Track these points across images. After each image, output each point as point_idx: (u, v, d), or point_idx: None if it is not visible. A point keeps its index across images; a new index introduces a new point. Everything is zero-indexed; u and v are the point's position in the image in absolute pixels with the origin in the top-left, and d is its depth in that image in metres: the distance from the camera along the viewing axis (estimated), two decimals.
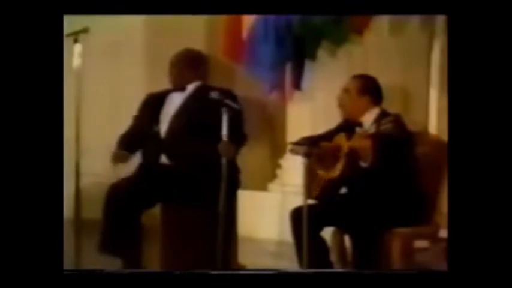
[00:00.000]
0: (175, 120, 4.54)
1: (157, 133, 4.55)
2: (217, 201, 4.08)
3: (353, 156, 4.06)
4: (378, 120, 4.08)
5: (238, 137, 4.39)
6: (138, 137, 4.61)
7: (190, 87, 4.61)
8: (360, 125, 4.22)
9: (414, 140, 4.19)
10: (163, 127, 4.56)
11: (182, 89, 4.61)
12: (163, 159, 4.49)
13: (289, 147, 4.56)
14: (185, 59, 4.69)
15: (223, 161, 4.06)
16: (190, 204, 4.43)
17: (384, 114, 4.18)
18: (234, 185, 4.49)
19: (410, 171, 4.17)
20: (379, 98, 4.33)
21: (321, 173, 4.24)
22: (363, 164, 4.00)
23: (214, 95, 4.08)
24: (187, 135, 4.45)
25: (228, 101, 3.98)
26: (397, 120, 3.91)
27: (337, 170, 4.15)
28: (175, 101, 4.60)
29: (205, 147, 4.31)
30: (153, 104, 4.65)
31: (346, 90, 4.32)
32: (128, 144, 4.57)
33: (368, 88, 4.30)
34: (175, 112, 4.56)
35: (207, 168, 4.31)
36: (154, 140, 4.54)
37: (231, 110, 3.97)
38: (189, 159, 4.43)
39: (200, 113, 4.47)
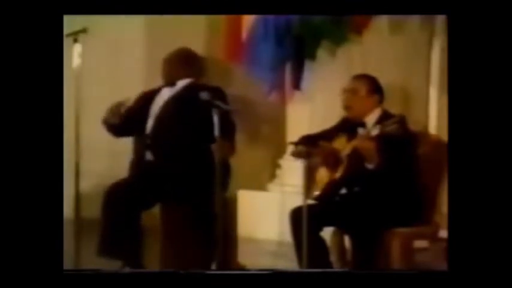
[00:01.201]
0: (161, 116, 4.55)
1: (144, 130, 4.56)
2: (207, 200, 4.05)
3: (355, 157, 4.06)
4: (380, 121, 4.08)
5: (230, 135, 4.39)
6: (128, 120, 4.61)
7: (180, 84, 4.62)
8: (362, 125, 4.21)
9: (416, 141, 4.19)
10: (150, 123, 4.57)
11: (172, 84, 4.63)
12: (149, 156, 4.50)
13: (289, 148, 4.56)
14: (178, 57, 4.71)
15: (217, 160, 4.01)
16: (183, 203, 4.43)
17: (386, 115, 4.18)
18: (224, 183, 4.49)
19: (411, 172, 4.17)
20: (383, 97, 4.33)
21: (322, 173, 4.24)
22: (369, 166, 4.00)
23: (204, 95, 4.08)
24: (173, 131, 4.46)
25: (217, 102, 3.97)
26: (402, 121, 3.90)
27: (339, 171, 4.15)
28: (163, 97, 4.62)
29: (193, 145, 4.31)
30: (145, 100, 4.67)
31: (352, 91, 4.29)
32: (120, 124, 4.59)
33: (377, 88, 4.30)
34: (162, 108, 4.58)
35: (197, 166, 4.31)
36: (141, 135, 4.56)
37: (221, 110, 3.96)
38: (174, 157, 4.43)
39: (188, 110, 4.47)
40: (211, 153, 3.98)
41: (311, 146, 4.20)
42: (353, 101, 4.29)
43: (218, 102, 3.94)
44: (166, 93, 4.63)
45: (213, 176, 3.90)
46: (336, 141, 4.27)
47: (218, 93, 4.48)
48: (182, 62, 4.69)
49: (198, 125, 4.37)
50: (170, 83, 4.65)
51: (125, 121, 4.58)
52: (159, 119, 4.55)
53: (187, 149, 4.43)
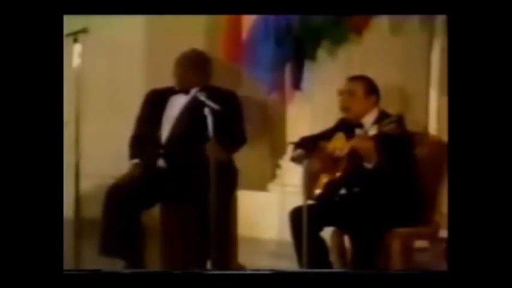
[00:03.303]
0: (177, 125, 4.52)
1: (158, 136, 4.53)
2: (208, 200, 4.05)
3: (354, 157, 4.06)
4: (378, 121, 4.09)
5: (232, 139, 4.39)
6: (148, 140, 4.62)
7: (194, 91, 4.55)
8: (360, 126, 4.22)
9: (414, 140, 4.19)
10: (165, 131, 4.54)
11: (186, 91, 4.57)
12: (161, 163, 4.49)
13: (289, 148, 4.56)
14: (191, 60, 4.65)
15: (211, 162, 4.01)
16: (188, 204, 4.43)
17: (383, 115, 4.19)
18: (231, 185, 4.48)
19: (410, 172, 4.17)
20: (380, 97, 4.34)
21: (321, 174, 4.24)
22: (368, 165, 4.01)
23: (199, 95, 4.08)
24: (188, 140, 4.43)
25: (209, 102, 3.97)
26: (400, 121, 3.91)
27: (338, 171, 4.15)
28: (178, 105, 4.57)
29: (201, 149, 4.29)
30: (156, 104, 4.63)
31: (350, 92, 4.29)
32: (140, 150, 4.58)
33: (374, 88, 4.31)
34: (178, 117, 4.53)
35: (204, 169, 4.30)
36: (154, 143, 4.53)
37: (212, 111, 3.95)
38: (187, 163, 4.42)
39: (201, 117, 4.44)
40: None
41: (310, 147, 4.21)
42: (351, 103, 4.29)
43: (209, 102, 3.95)
44: (180, 100, 4.57)
45: (216, 177, 3.91)
46: (335, 141, 4.27)
47: (231, 98, 4.49)
48: (195, 65, 4.64)
49: (204, 129, 4.33)
50: (183, 87, 4.59)
51: (137, 130, 4.59)
52: (175, 128, 4.51)
53: (196, 154, 4.38)
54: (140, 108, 4.69)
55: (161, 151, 4.50)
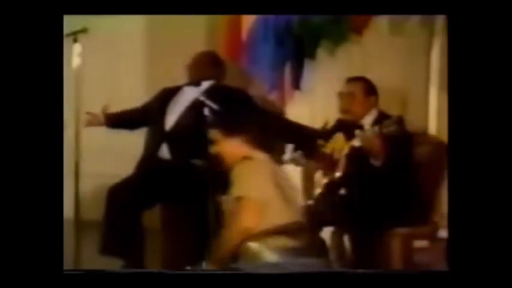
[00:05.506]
0: (184, 115, 4.53)
1: (163, 124, 4.53)
2: (208, 200, 4.06)
3: (354, 156, 4.06)
4: (377, 122, 4.09)
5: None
6: (135, 116, 4.63)
7: (205, 85, 4.57)
8: (359, 126, 4.22)
9: (415, 140, 4.20)
10: (171, 119, 4.54)
11: (197, 84, 4.58)
12: (164, 153, 4.47)
13: (289, 149, 4.57)
14: (205, 57, 4.71)
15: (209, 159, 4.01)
16: (188, 204, 4.43)
17: (382, 115, 4.19)
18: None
19: (410, 172, 4.18)
20: (378, 98, 4.35)
21: (320, 174, 4.24)
22: (375, 163, 4.00)
23: (200, 95, 4.10)
24: (194, 131, 4.44)
25: (208, 102, 3.98)
26: (401, 122, 3.92)
27: (338, 171, 4.15)
28: (187, 96, 4.58)
29: (202, 147, 4.29)
30: (165, 97, 4.65)
31: (349, 94, 4.30)
32: (123, 119, 4.63)
33: (372, 89, 4.32)
34: (187, 107, 4.54)
35: (204, 168, 4.31)
36: (158, 131, 4.54)
37: (212, 111, 3.97)
38: (189, 156, 4.42)
39: (202, 116, 4.44)
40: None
41: (308, 149, 4.21)
42: (350, 105, 4.31)
43: (209, 102, 3.96)
44: (190, 93, 4.58)
45: (216, 177, 3.91)
46: (334, 142, 4.27)
47: (242, 95, 4.51)
48: (209, 62, 4.68)
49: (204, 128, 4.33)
50: (195, 81, 4.60)
51: (141, 113, 4.61)
52: (182, 117, 4.52)
53: (201, 149, 4.38)
54: (149, 100, 4.72)
55: (164, 138, 4.50)
